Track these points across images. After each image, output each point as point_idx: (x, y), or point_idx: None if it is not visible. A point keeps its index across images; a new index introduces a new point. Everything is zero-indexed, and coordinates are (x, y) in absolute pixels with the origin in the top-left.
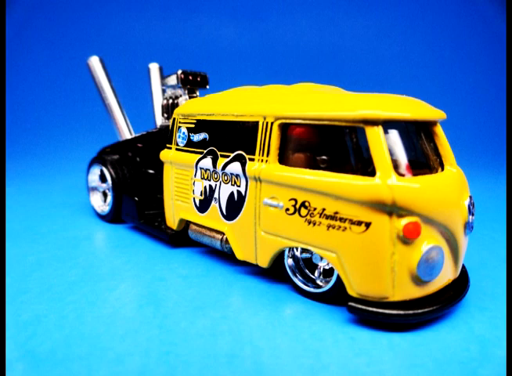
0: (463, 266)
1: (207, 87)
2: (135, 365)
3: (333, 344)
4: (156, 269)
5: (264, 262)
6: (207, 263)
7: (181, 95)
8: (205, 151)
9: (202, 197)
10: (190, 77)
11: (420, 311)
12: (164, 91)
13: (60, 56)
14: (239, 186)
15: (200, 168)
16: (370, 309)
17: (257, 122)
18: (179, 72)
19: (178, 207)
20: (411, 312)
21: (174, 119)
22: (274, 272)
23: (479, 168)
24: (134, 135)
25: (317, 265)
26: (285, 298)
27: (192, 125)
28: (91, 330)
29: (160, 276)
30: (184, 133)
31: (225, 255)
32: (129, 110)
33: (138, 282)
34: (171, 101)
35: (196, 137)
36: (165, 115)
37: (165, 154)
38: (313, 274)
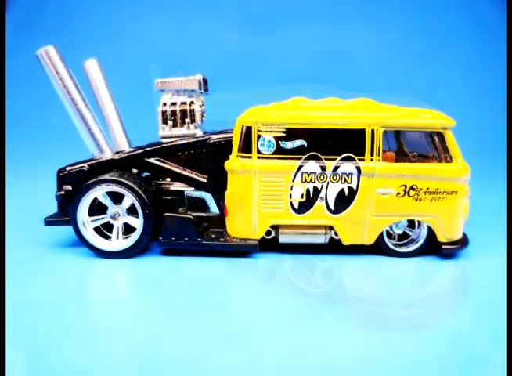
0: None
1: (208, 91)
2: (135, 365)
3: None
4: (157, 269)
5: (371, 240)
6: (207, 263)
7: (192, 102)
8: (305, 156)
9: (303, 199)
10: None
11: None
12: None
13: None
14: (349, 183)
15: (302, 173)
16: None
17: (363, 129)
18: (200, 77)
19: (264, 214)
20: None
21: (247, 128)
22: (275, 272)
23: (479, 167)
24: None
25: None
26: (285, 297)
27: (282, 134)
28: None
29: (160, 277)
30: (269, 141)
31: (225, 255)
32: (128, 113)
33: (138, 282)
34: (178, 107)
35: (290, 144)
36: (169, 123)
37: (243, 164)
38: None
